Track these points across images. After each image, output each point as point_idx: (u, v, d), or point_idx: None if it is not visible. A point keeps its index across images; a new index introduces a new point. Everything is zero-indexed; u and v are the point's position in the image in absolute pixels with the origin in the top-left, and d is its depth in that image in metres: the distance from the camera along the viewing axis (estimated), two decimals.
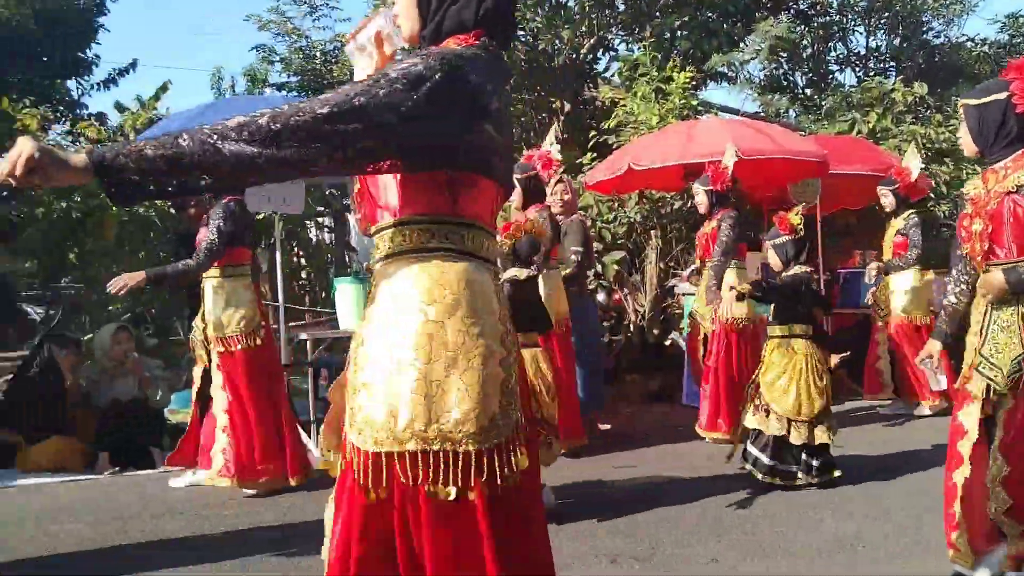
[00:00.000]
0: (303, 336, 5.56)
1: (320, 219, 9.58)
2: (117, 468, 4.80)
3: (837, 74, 12.51)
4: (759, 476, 4.13)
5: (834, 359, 6.77)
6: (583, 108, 11.16)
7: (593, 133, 9.15)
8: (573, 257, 5.34)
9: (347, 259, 9.78)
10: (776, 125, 8.52)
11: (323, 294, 8.30)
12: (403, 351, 1.47)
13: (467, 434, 1.44)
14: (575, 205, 5.83)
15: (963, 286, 2.94)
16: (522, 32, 11.06)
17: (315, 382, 6.01)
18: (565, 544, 3.31)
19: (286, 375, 5.54)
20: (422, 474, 1.43)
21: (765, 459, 4.13)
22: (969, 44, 12.20)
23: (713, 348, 5.32)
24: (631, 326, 7.84)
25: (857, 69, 12.48)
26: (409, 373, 1.45)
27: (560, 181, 6.22)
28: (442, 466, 1.43)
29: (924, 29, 12.07)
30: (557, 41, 10.98)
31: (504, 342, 1.54)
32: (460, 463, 1.43)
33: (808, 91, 12.20)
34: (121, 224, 7.07)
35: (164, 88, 9.18)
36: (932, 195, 8.34)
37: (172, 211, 6.60)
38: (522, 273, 3.82)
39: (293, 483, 4.26)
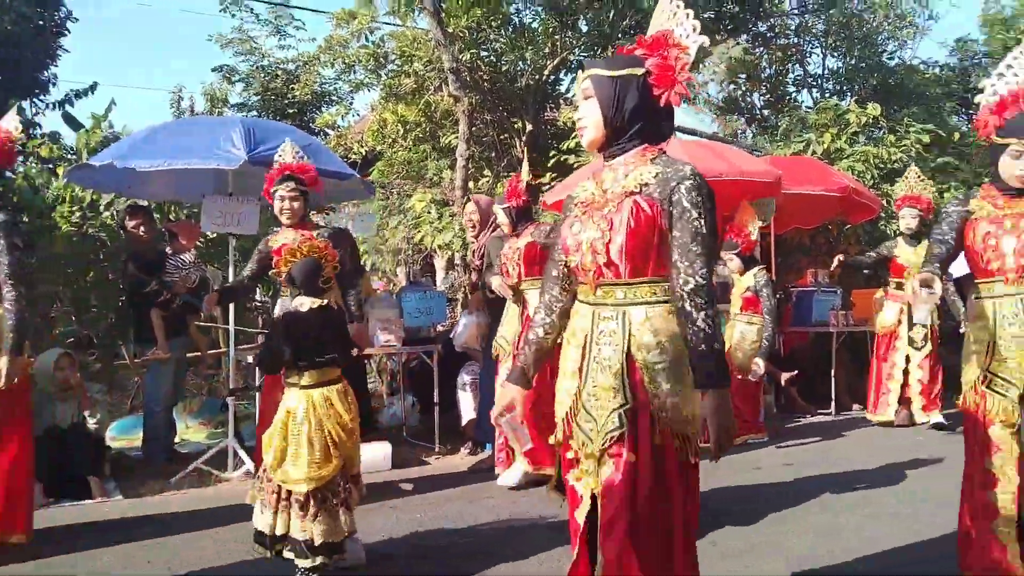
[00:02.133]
0: (252, 359, 5.48)
1: None
2: (51, 499, 4.60)
3: (795, 95, 12.69)
4: None
5: (784, 376, 6.87)
6: (545, 128, 11.22)
7: (554, 153, 9.19)
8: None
9: None
10: (731, 146, 8.62)
11: None
12: None
13: None
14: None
15: (553, 316, 2.35)
16: (485, 53, 11.13)
17: None
18: None
19: (232, 400, 5.48)
20: None
21: None
22: (922, 67, 12.47)
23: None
24: None
25: (814, 90, 12.67)
26: None
27: (468, 200, 6.19)
28: None
29: (879, 51, 12.30)
30: (520, 63, 11.06)
31: None
32: None
33: (765, 112, 12.36)
34: (69, 242, 6.95)
35: (109, 109, 9.06)
36: (883, 214, 8.48)
37: (121, 232, 6.51)
38: (304, 304, 3.30)
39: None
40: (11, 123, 3.78)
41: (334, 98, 12.17)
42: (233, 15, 11.82)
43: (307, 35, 12.72)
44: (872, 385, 6.95)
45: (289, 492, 3.11)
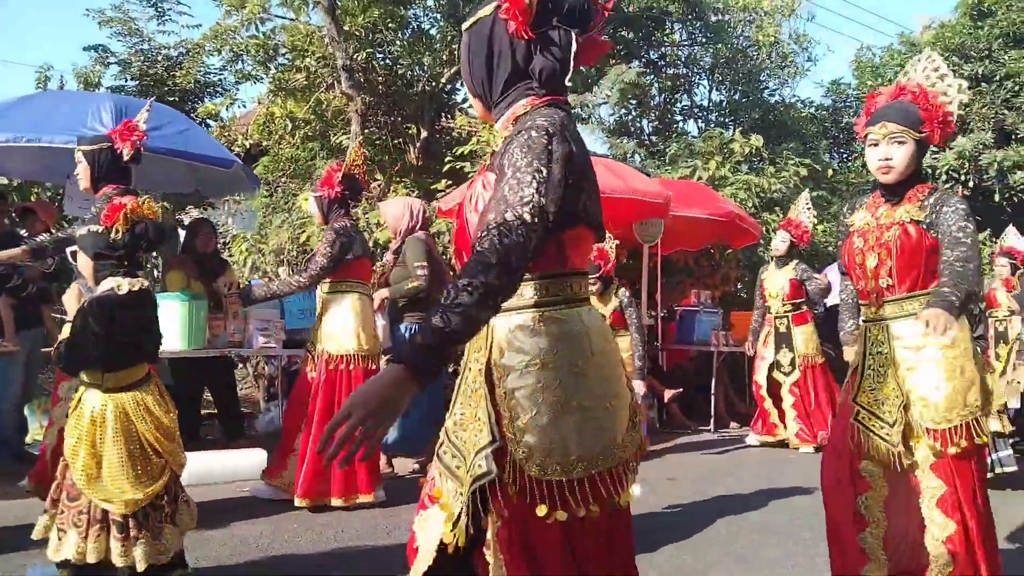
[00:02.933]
0: None
1: None
2: None
3: (681, 123, 13.15)
4: None
5: (668, 393, 6.99)
6: (439, 136, 11.09)
7: (448, 159, 9.07)
8: (419, 272, 5.06)
9: None
10: (626, 165, 8.77)
11: None
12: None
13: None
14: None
15: None
16: (381, 55, 10.91)
17: None
18: None
19: None
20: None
21: None
22: (799, 105, 13.20)
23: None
24: None
25: (699, 120, 13.17)
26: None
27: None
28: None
29: (761, 87, 12.93)
30: (417, 67, 10.91)
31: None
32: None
33: (654, 138, 12.73)
34: None
35: None
36: (762, 240, 8.83)
37: None
38: (122, 285, 2.71)
39: None
40: None
41: (219, 89, 11.59)
42: None
43: (192, 21, 12.14)
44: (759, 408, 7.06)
45: (104, 512, 2.65)
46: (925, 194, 2.57)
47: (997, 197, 11.99)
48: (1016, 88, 12.00)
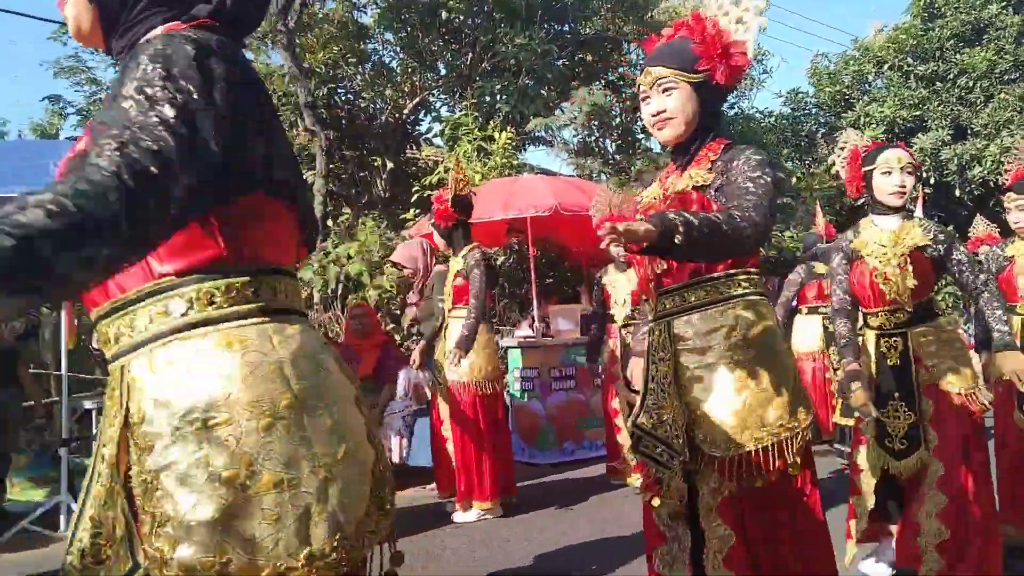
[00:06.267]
0: (88, 405, 4.90)
1: None
2: None
3: (644, 140, 13.26)
4: None
5: None
6: (405, 166, 11.13)
7: (417, 188, 9.09)
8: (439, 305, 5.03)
9: None
10: (593, 183, 8.83)
11: None
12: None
13: None
14: None
15: None
16: (342, 90, 10.92)
17: None
18: None
19: (65, 453, 4.87)
20: None
21: None
22: (758, 116, 13.40)
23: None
24: None
25: None
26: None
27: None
28: None
29: None
30: (379, 100, 10.95)
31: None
32: None
33: (618, 156, 12.84)
34: None
35: None
36: None
37: None
38: None
39: None
40: None
41: None
42: (65, 43, 11.03)
43: None
44: None
45: None
46: (718, 152, 1.97)
47: (958, 192, 12.23)
48: (970, 84, 12.29)
